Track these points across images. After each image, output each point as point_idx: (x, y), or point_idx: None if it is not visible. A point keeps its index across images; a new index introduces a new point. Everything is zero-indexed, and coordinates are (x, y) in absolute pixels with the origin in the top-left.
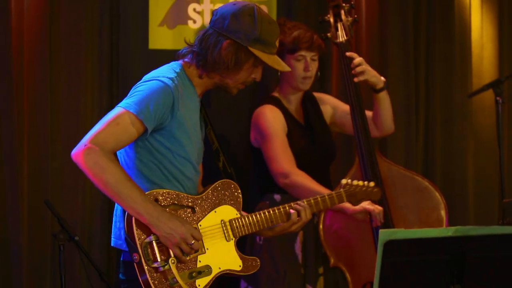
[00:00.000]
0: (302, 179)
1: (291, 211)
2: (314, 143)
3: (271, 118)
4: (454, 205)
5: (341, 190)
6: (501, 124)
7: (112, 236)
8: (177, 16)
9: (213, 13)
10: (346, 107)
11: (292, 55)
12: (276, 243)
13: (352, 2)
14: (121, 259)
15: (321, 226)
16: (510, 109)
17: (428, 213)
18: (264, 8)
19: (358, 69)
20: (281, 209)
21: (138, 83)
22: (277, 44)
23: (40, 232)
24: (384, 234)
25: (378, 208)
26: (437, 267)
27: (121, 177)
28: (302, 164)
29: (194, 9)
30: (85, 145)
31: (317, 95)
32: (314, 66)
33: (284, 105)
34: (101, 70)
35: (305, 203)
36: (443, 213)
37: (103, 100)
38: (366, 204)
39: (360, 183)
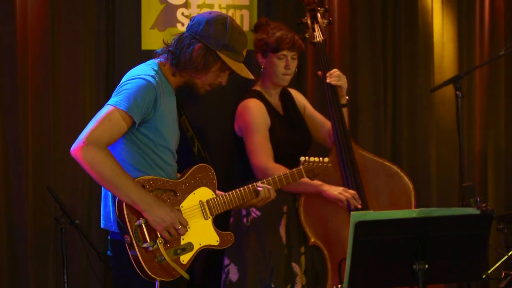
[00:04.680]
0: (278, 172)
1: (259, 188)
2: (294, 134)
3: (256, 113)
4: (418, 189)
5: (301, 167)
6: (460, 116)
7: (101, 219)
8: (167, 19)
9: (191, 19)
10: (313, 110)
11: (275, 53)
12: (263, 224)
13: (326, 6)
14: (109, 238)
15: (301, 209)
16: (469, 102)
17: (398, 196)
18: (245, 12)
19: (336, 74)
20: (250, 187)
21: (122, 81)
22: (244, 53)
23: (44, 216)
24: (355, 216)
25: (351, 193)
26: (403, 245)
27: (117, 170)
28: (283, 153)
29: (182, 13)
30: (83, 142)
31: (291, 91)
32: (294, 65)
33: (266, 98)
34: (98, 68)
35: (271, 181)
36: (411, 196)
37: (100, 95)
38: (342, 192)
39: (316, 159)
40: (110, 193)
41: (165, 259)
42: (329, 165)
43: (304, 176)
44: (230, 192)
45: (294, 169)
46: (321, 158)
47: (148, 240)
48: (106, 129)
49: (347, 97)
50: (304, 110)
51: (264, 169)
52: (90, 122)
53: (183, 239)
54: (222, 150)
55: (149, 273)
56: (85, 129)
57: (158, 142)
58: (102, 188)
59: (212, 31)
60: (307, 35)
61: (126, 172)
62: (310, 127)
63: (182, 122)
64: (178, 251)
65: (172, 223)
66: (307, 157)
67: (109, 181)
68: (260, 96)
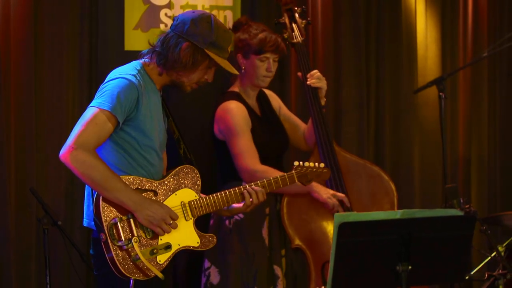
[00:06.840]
0: (267, 174)
1: (245, 192)
2: (273, 135)
3: (238, 115)
4: (401, 191)
5: (293, 171)
6: (443, 117)
7: (84, 217)
8: (150, 20)
9: (174, 19)
10: (288, 111)
11: (257, 55)
12: (246, 227)
13: (304, 7)
14: (92, 236)
15: (284, 211)
16: (452, 103)
17: (380, 197)
18: (229, 13)
19: (316, 75)
20: (236, 191)
21: (104, 82)
22: (229, 50)
23: (26, 217)
24: (339, 217)
25: (340, 197)
26: (387, 246)
27: (106, 173)
28: (262, 154)
29: (166, 14)
30: (71, 147)
31: (266, 91)
32: (275, 67)
33: (245, 100)
34: (81, 70)
35: (259, 184)
36: (394, 197)
37: (83, 96)
38: (330, 197)
39: (312, 164)
40: (91, 191)
41: (139, 258)
42: (325, 170)
43: (296, 181)
44: (214, 194)
45: (286, 174)
46: (316, 164)
47: (123, 239)
48: (93, 132)
49: (324, 99)
50: (280, 111)
51: (252, 172)
52: (76, 125)
53: (161, 239)
54: (201, 153)
55: (123, 271)
56: (72, 133)
57: (141, 141)
58: (86, 186)
59: (198, 30)
60: (285, 36)
61: (115, 173)
62: (285, 129)
63: (169, 124)
64: (155, 251)
65: (163, 219)
66: (301, 162)
67: (99, 183)
68: (239, 98)
